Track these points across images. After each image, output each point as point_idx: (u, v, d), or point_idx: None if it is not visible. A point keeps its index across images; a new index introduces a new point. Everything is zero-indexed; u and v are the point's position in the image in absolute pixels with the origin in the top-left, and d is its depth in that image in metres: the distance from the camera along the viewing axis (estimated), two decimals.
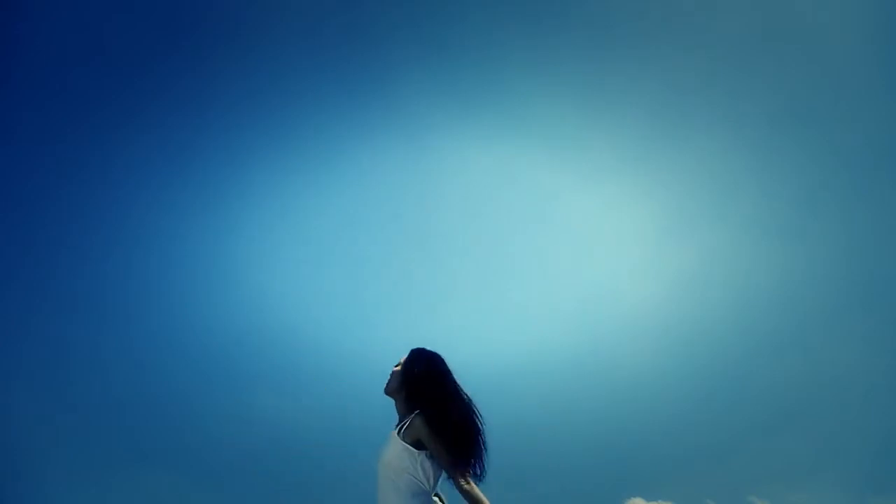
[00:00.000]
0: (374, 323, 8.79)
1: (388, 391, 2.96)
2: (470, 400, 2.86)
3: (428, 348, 2.98)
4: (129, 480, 7.49)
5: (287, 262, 9.01)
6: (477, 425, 2.82)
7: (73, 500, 7.28)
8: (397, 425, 2.87)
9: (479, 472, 2.77)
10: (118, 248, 8.79)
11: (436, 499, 2.83)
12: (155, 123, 8.95)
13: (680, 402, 8.09)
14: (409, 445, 2.77)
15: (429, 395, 2.82)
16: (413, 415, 2.80)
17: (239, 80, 9.08)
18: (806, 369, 8.41)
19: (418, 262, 9.21)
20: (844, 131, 8.79)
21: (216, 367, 8.30)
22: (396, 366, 2.98)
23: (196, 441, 7.73)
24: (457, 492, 2.73)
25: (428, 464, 2.76)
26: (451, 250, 9.25)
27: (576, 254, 9.26)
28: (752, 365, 8.40)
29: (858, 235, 8.74)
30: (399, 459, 2.75)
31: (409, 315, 8.78)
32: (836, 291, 8.62)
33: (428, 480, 2.76)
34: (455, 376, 2.91)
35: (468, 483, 2.71)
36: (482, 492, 2.71)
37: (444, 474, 2.80)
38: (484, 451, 2.80)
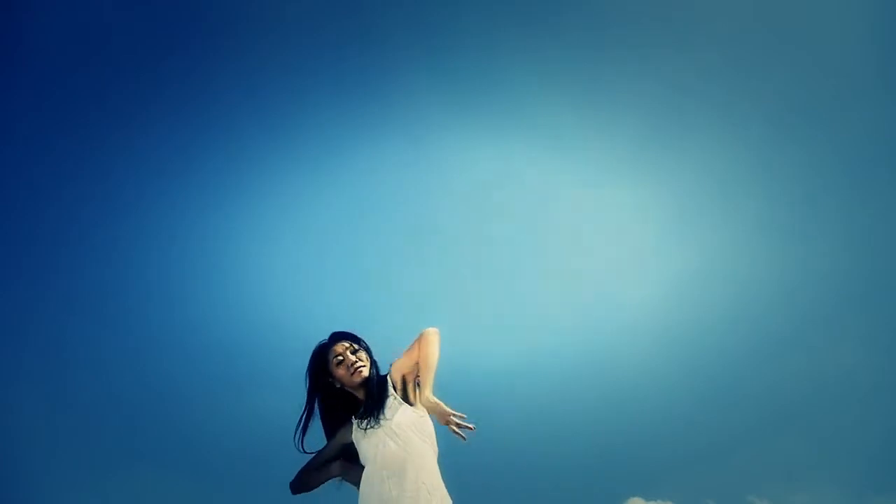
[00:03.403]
0: (375, 322, 8.79)
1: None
2: None
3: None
4: (130, 480, 7.50)
5: (287, 262, 9.02)
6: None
7: (73, 500, 7.28)
8: (384, 399, 2.80)
9: None
10: (118, 247, 8.80)
11: None
12: (154, 123, 8.97)
13: (680, 402, 8.08)
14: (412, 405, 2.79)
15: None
16: (384, 375, 2.87)
17: (238, 79, 9.10)
18: (806, 369, 8.41)
19: (418, 262, 9.22)
20: (845, 131, 8.78)
21: (216, 367, 8.30)
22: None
23: (196, 441, 7.74)
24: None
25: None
26: (451, 250, 9.26)
27: (575, 253, 9.26)
28: (753, 365, 8.40)
29: (858, 235, 8.74)
30: (424, 421, 2.72)
31: (408, 315, 8.79)
32: (836, 291, 8.61)
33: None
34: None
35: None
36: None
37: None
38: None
